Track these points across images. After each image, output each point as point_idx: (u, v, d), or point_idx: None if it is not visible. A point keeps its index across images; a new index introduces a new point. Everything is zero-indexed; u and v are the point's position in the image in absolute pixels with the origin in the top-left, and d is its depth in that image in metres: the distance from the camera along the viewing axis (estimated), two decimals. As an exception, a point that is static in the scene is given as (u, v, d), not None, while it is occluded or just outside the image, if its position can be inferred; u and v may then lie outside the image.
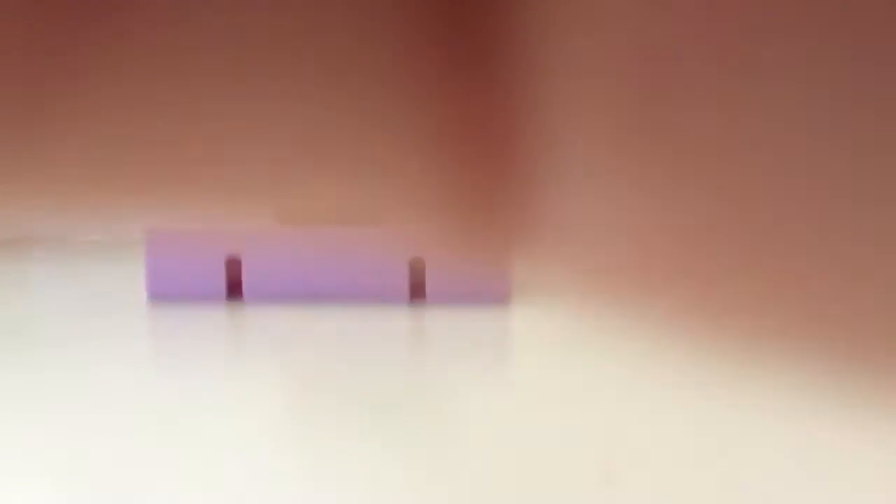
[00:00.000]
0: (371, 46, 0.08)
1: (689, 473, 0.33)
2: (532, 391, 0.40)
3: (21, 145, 0.08)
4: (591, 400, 0.39)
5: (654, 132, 0.08)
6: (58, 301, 0.53)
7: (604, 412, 0.38)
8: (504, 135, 0.08)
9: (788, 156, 0.08)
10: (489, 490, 0.32)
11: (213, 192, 0.08)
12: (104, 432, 0.37)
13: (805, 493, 0.31)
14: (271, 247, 0.50)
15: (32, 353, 0.46)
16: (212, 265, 0.51)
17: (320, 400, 0.40)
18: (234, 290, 0.51)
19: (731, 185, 0.08)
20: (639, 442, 0.35)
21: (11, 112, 0.08)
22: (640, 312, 0.09)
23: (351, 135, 0.08)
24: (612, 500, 0.31)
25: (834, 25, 0.07)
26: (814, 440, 0.34)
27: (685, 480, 0.32)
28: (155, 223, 0.46)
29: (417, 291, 0.50)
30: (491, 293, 0.49)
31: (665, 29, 0.08)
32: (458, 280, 0.49)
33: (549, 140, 0.08)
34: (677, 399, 0.39)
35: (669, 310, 0.08)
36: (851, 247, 0.08)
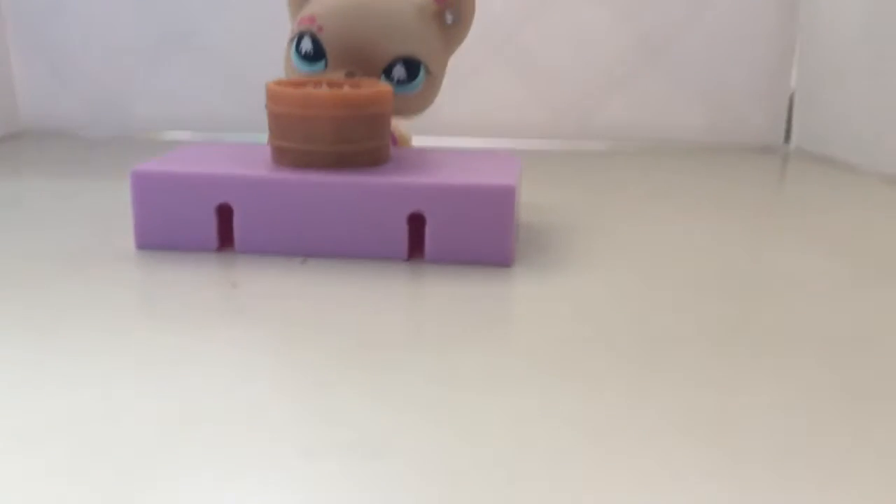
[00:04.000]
0: None
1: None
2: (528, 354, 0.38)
3: None
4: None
5: None
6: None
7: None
8: None
9: None
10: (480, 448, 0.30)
11: None
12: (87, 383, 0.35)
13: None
14: (264, 196, 0.48)
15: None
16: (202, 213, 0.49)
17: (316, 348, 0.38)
18: (226, 239, 0.49)
19: None
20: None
21: None
22: None
23: None
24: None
25: None
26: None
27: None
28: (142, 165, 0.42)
29: (416, 249, 0.48)
30: (492, 254, 0.47)
31: None
32: (458, 238, 0.47)
33: None
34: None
35: None
36: None
